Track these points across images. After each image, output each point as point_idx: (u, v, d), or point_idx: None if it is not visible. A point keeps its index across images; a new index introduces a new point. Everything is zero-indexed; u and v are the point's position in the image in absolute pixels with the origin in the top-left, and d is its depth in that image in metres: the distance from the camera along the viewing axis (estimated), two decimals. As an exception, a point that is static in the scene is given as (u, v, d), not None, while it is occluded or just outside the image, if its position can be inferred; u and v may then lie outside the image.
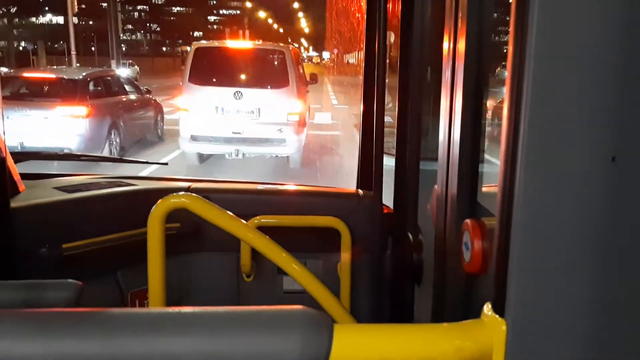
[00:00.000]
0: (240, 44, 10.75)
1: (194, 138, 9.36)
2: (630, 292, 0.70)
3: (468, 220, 1.14)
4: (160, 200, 1.43)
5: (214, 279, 2.25)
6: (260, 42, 13.36)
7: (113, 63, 22.08)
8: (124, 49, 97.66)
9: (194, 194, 1.47)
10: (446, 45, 1.34)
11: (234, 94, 9.29)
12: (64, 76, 10.20)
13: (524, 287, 0.68)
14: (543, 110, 0.64)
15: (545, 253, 0.67)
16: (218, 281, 2.26)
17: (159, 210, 1.42)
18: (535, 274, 0.68)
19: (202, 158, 10.06)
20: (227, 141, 9.35)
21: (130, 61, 38.97)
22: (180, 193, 1.46)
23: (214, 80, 9.48)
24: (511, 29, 0.67)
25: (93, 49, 79.00)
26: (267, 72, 9.90)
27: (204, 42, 10.46)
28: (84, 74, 10.34)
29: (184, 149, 9.73)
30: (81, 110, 9.32)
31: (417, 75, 1.84)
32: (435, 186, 1.46)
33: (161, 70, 49.73)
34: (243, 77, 9.78)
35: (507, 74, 0.67)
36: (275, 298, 2.24)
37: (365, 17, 2.19)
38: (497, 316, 0.71)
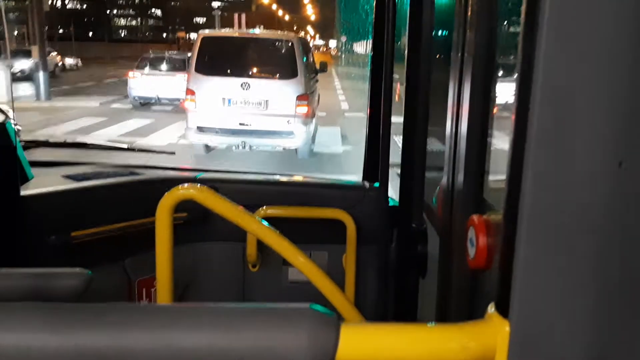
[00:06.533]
0: (247, 32, 10.44)
1: (200, 129, 9.16)
2: (635, 296, 0.70)
3: (474, 216, 1.13)
4: (168, 192, 1.46)
5: (220, 268, 2.27)
6: (269, 31, 12.98)
7: (34, 50, 16.31)
8: (122, 34, 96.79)
9: (201, 186, 1.49)
10: (455, 38, 1.32)
11: (241, 84, 9.06)
12: (179, 56, 16.79)
13: (528, 289, 0.68)
14: (551, 114, 0.64)
15: (549, 255, 0.68)
16: (224, 270, 2.27)
17: (167, 201, 1.45)
18: (539, 276, 0.68)
19: (209, 148, 9.89)
20: (234, 133, 9.14)
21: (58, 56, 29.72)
22: (188, 185, 1.48)
23: (221, 70, 9.22)
24: (521, 36, 0.66)
25: (90, 34, 78.16)
26: (275, 62, 9.63)
27: (210, 31, 10.15)
28: (188, 54, 14.60)
29: (190, 140, 9.52)
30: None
31: (426, 70, 1.82)
32: (442, 180, 1.46)
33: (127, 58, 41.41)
34: (250, 67, 9.51)
35: (515, 78, 0.68)
36: (281, 288, 2.25)
37: (374, 7, 2.17)
38: (500, 317, 0.71)
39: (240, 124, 9.09)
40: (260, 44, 9.96)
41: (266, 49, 9.90)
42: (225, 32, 10.54)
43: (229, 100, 9.11)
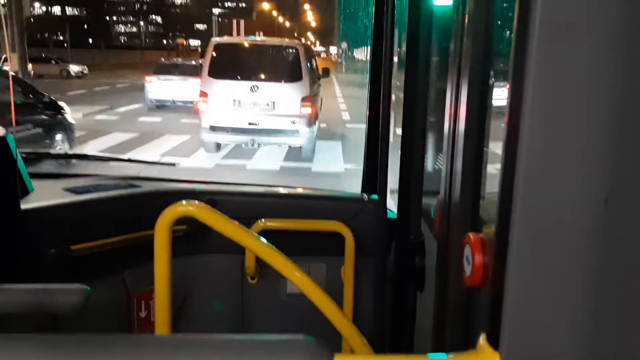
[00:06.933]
0: (256, 39, 11.27)
1: (212, 129, 9.91)
2: (630, 323, 0.70)
3: (470, 234, 1.14)
4: (167, 208, 1.46)
5: (218, 281, 2.28)
6: (276, 38, 13.81)
7: (14, 58, 14.17)
8: (122, 40, 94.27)
9: (200, 202, 1.51)
10: (452, 49, 1.35)
11: (251, 87, 9.81)
12: (191, 63, 18.98)
13: (518, 321, 0.69)
14: (539, 150, 0.65)
15: (538, 289, 0.68)
16: (223, 283, 2.28)
17: (166, 218, 1.45)
18: (528, 309, 0.69)
19: (220, 146, 10.66)
20: (243, 132, 9.88)
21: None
22: (186, 202, 1.49)
23: (232, 74, 9.97)
24: (510, 73, 0.68)
25: (90, 40, 77.57)
26: (282, 66, 10.38)
27: (222, 38, 11.00)
28: (198, 61, 17.38)
29: (203, 139, 10.29)
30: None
31: (424, 81, 1.86)
32: (439, 196, 1.48)
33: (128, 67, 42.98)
34: (259, 71, 10.22)
35: (506, 112, 0.70)
36: (279, 301, 2.28)
37: (374, 15, 2.18)
38: (491, 348, 0.71)
39: (250, 123, 9.83)
40: (268, 50, 10.75)
41: (273, 55, 10.67)
42: (236, 39, 11.32)
43: (239, 102, 9.84)
